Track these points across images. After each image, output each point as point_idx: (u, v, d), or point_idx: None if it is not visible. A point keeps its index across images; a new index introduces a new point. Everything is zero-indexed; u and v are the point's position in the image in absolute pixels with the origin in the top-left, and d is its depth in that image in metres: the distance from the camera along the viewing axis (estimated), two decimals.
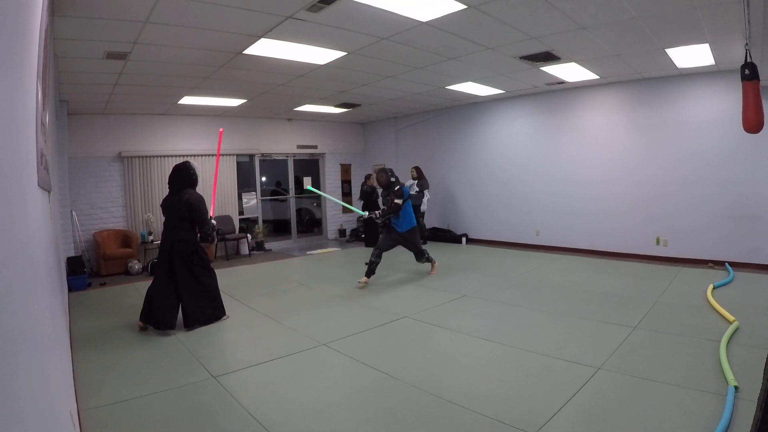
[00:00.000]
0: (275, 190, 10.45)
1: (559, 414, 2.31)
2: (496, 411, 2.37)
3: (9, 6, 0.90)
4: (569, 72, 5.88)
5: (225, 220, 8.07)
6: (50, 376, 1.31)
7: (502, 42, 4.55)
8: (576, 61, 5.38)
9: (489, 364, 3.03)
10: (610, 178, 6.73)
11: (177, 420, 2.39)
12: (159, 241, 4.33)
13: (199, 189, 4.19)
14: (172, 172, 4.06)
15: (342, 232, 10.10)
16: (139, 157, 7.36)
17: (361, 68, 5.43)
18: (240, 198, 8.81)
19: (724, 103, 5.60)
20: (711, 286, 4.54)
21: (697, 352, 3.03)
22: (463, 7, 3.57)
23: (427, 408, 2.45)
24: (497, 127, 8.14)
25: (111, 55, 4.28)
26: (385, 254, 5.61)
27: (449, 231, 8.86)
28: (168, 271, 3.89)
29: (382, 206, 5.81)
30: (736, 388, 2.39)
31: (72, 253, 6.25)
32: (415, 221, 5.59)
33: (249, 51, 4.46)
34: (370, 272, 5.30)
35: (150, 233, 7.21)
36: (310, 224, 10.88)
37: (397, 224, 5.43)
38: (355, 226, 10.13)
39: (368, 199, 8.52)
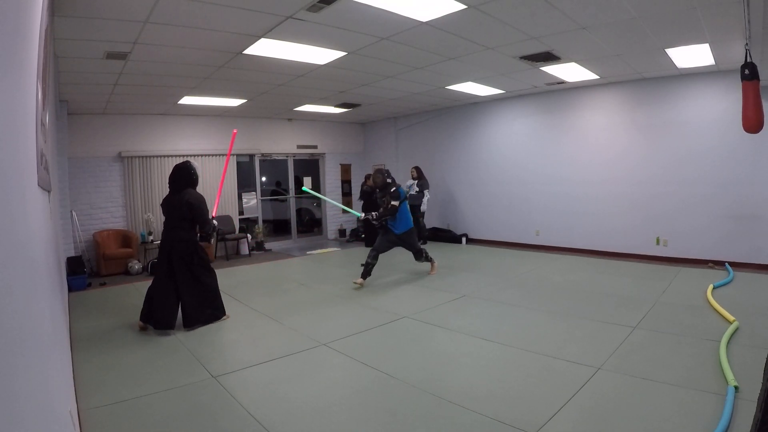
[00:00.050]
0: (275, 190, 10.45)
1: (559, 414, 2.31)
2: (496, 411, 2.37)
3: (9, 6, 0.90)
4: (569, 72, 5.88)
5: (225, 220, 8.07)
6: (50, 376, 1.31)
7: (502, 42, 4.55)
8: (576, 61, 5.38)
9: (489, 364, 3.03)
10: (610, 178, 6.73)
11: (177, 420, 2.39)
12: (159, 241, 4.33)
13: (201, 189, 4.19)
14: (172, 171, 4.05)
15: (342, 232, 10.11)
16: (139, 157, 7.36)
17: (361, 68, 5.43)
18: (240, 198, 8.81)
19: (724, 103, 5.60)
20: (711, 286, 4.54)
21: (697, 352, 3.03)
22: (463, 7, 3.57)
23: (427, 408, 2.45)
24: (497, 127, 8.13)
25: (111, 55, 4.28)
26: (384, 254, 5.61)
27: (449, 231, 8.86)
28: (168, 271, 3.89)
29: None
30: (736, 388, 2.39)
31: (72, 253, 6.25)
32: (412, 222, 5.56)
33: (249, 51, 4.46)
34: (366, 273, 5.28)
35: (150, 233, 7.21)
36: (310, 224, 10.88)
37: (394, 226, 5.40)
38: (355, 226, 10.12)
39: (368, 199, 8.51)
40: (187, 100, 6.65)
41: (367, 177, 8.84)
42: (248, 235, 8.45)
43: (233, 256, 8.09)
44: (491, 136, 8.23)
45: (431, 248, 6.92)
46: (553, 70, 5.74)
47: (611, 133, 6.72)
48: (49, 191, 2.49)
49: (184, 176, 4.01)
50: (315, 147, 9.84)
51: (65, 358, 2.55)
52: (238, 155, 8.63)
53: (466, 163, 8.69)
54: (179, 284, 3.88)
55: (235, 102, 7.07)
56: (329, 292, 5.18)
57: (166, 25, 3.64)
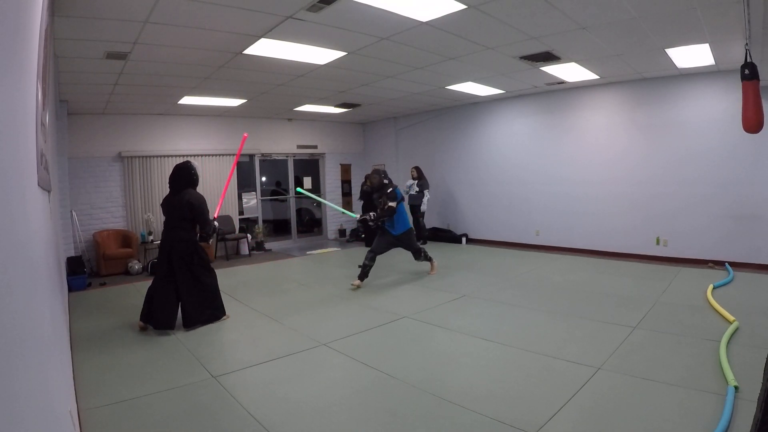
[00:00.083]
0: (275, 190, 10.45)
1: (559, 414, 2.31)
2: (496, 411, 2.37)
3: (9, 6, 0.90)
4: (569, 72, 5.88)
5: (225, 220, 8.07)
6: (50, 376, 1.31)
7: (502, 42, 4.55)
8: (576, 61, 5.38)
9: (489, 364, 3.03)
10: (610, 178, 6.73)
11: (177, 420, 2.39)
12: (159, 241, 4.33)
13: (201, 189, 4.18)
14: (172, 171, 4.05)
15: (342, 232, 10.10)
16: (139, 157, 7.36)
17: (361, 68, 5.43)
18: (240, 198, 8.82)
19: (724, 103, 5.60)
20: (711, 286, 4.54)
21: (697, 352, 3.03)
22: (463, 7, 3.57)
23: (427, 408, 2.45)
24: (497, 127, 8.13)
25: (111, 55, 4.28)
26: (384, 254, 5.61)
27: (449, 231, 8.86)
28: (168, 271, 3.89)
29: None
30: (736, 388, 2.39)
31: (72, 253, 6.25)
32: (409, 223, 5.53)
33: (249, 51, 4.46)
34: (363, 275, 5.26)
35: (150, 233, 7.21)
36: (310, 224, 10.88)
37: (391, 227, 5.37)
38: (355, 226, 10.12)
39: (368, 199, 8.48)
40: (187, 100, 6.65)
41: (367, 177, 8.83)
42: (248, 235, 8.45)
43: (233, 256, 8.09)
44: (491, 136, 8.23)
45: (431, 248, 6.92)
46: (553, 70, 5.73)
47: (611, 133, 6.72)
48: (49, 191, 2.49)
49: (184, 176, 4.01)
50: (315, 147, 9.84)
51: (65, 358, 2.55)
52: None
53: (466, 163, 8.69)
54: (179, 284, 3.88)
55: (235, 102, 7.07)
56: (329, 292, 5.18)
57: (166, 25, 3.64)
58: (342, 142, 10.34)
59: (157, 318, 3.84)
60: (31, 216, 1.31)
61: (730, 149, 5.60)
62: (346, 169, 10.49)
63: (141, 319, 3.93)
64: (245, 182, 9.08)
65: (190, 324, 3.91)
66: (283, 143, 9.32)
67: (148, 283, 4.09)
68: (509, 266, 6.32)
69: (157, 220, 7.12)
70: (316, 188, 10.20)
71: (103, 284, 6.04)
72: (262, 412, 2.45)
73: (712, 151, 5.77)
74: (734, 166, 5.60)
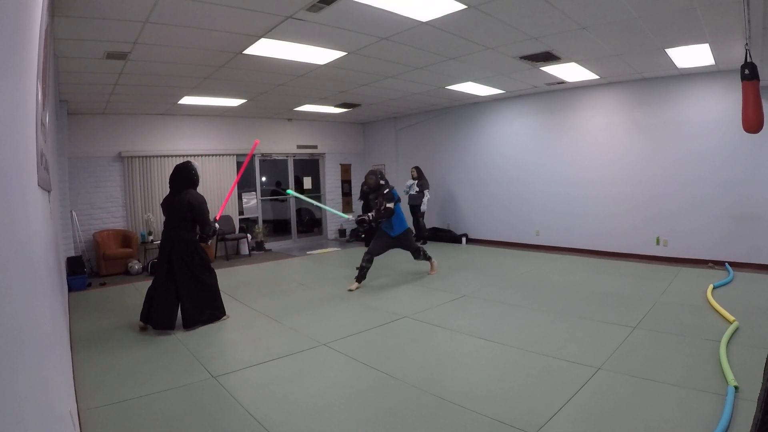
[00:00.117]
0: (275, 190, 10.45)
1: (559, 414, 2.31)
2: (496, 411, 2.37)
3: (9, 6, 0.90)
4: (569, 72, 5.88)
5: (225, 220, 8.07)
6: (50, 376, 1.31)
7: (502, 42, 4.55)
8: (576, 61, 5.38)
9: (489, 364, 3.03)
10: (610, 178, 6.73)
11: (177, 420, 2.39)
12: (159, 241, 4.33)
13: (201, 189, 4.18)
14: (173, 171, 4.05)
15: (342, 232, 10.10)
16: (139, 157, 7.36)
17: (361, 68, 5.43)
18: (240, 198, 8.82)
19: (724, 103, 5.60)
20: (711, 286, 4.54)
21: (697, 352, 3.03)
22: (463, 7, 3.57)
23: (427, 408, 2.45)
24: (497, 127, 8.14)
25: (111, 55, 4.28)
26: (384, 255, 5.60)
27: (449, 231, 8.86)
28: (168, 271, 3.89)
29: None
30: (736, 388, 2.39)
31: (72, 253, 6.25)
32: (407, 223, 5.50)
33: (249, 51, 4.46)
34: (361, 277, 5.24)
35: (150, 233, 7.21)
36: (310, 224, 10.88)
37: (389, 228, 5.34)
38: (354, 226, 10.11)
39: (368, 199, 8.50)
40: (187, 100, 6.65)
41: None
42: (248, 235, 8.45)
43: (233, 256, 8.09)
44: (491, 136, 8.23)
45: (431, 248, 6.92)
46: (553, 70, 5.73)
47: (611, 133, 6.72)
48: (49, 191, 2.49)
49: (184, 176, 4.01)
50: (315, 147, 9.84)
51: (65, 358, 2.55)
52: (238, 155, 8.63)
53: (466, 163, 8.69)
54: (179, 284, 3.88)
55: (235, 102, 7.07)
56: (329, 292, 5.18)
57: (166, 25, 3.64)
58: (342, 142, 10.34)
59: (157, 318, 3.84)
60: (31, 216, 1.31)
61: (730, 149, 5.60)
62: (346, 169, 10.49)
63: (141, 319, 3.93)
64: (245, 182, 9.08)
65: (190, 324, 3.91)
66: (283, 143, 9.32)
67: (148, 283, 4.09)
68: (509, 266, 6.32)
69: (157, 220, 7.12)
70: (316, 188, 10.20)
71: (103, 284, 6.04)
72: (262, 412, 2.45)
73: (712, 151, 5.77)
74: (734, 166, 5.61)
